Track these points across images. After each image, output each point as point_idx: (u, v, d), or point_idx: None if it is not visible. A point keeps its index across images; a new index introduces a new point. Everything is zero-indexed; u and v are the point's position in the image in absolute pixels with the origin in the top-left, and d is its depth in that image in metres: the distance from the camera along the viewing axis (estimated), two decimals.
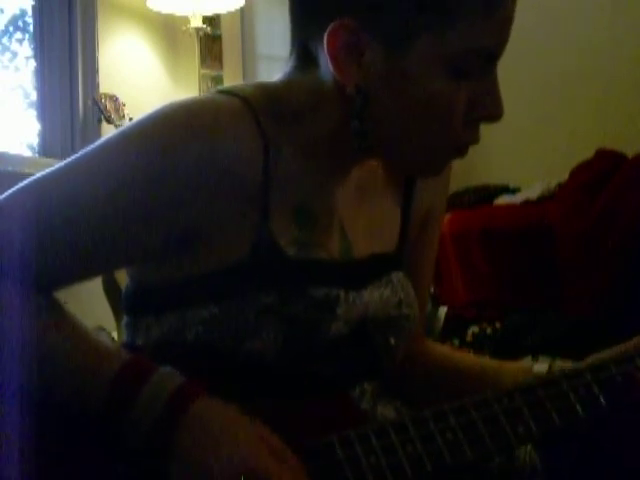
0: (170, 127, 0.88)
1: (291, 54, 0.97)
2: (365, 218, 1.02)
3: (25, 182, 0.90)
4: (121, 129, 0.91)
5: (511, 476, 1.03)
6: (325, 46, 0.89)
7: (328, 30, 0.88)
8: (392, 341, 1.00)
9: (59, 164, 0.91)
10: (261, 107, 0.92)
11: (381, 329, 0.99)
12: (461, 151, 0.95)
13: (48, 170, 0.90)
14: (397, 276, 1.02)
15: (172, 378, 0.84)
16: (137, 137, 0.89)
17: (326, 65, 0.91)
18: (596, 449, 1.00)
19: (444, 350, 1.21)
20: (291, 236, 0.93)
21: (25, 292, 0.86)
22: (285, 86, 0.96)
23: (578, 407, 0.91)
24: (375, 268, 1.01)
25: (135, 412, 0.82)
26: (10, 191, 0.89)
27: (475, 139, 0.94)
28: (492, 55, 0.91)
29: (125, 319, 1.00)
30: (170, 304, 0.93)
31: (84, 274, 0.93)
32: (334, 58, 0.89)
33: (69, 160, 0.91)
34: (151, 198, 0.88)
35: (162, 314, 0.93)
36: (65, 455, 0.85)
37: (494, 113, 0.93)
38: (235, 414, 0.83)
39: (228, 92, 0.93)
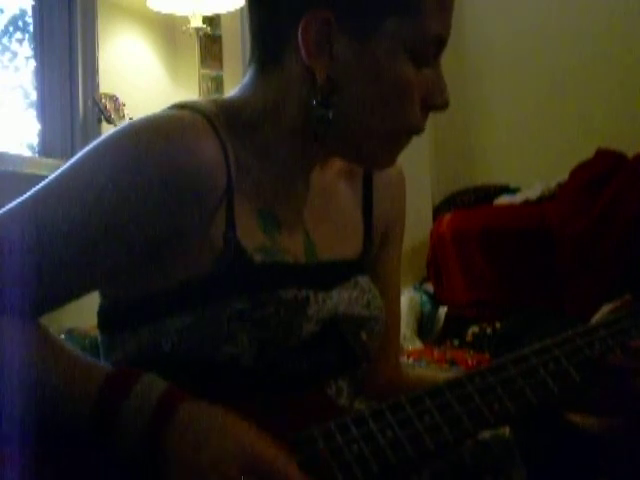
0: (134, 143, 0.89)
1: (250, 63, 0.99)
2: (328, 223, 1.05)
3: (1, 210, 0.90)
4: (88, 148, 0.92)
5: (486, 461, 1.04)
6: (300, 39, 0.91)
7: (302, 22, 0.91)
8: (364, 336, 1.02)
9: (33, 190, 0.91)
10: (218, 121, 0.94)
11: (352, 326, 1.01)
12: (410, 138, 0.99)
13: (22, 198, 0.91)
14: (363, 279, 1.05)
15: (153, 388, 0.84)
16: (102, 155, 0.91)
17: (292, 60, 0.94)
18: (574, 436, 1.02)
19: (422, 372, 1.24)
20: (257, 242, 0.96)
21: (6, 317, 0.86)
22: (241, 99, 0.99)
23: (549, 381, 0.93)
24: (340, 271, 1.03)
25: (120, 428, 0.82)
26: None
27: (423, 127, 0.98)
28: (442, 42, 0.95)
29: (100, 337, 1.00)
30: (144, 318, 0.94)
31: (59, 300, 0.92)
32: (307, 50, 0.92)
33: (42, 185, 0.91)
34: (118, 213, 0.88)
35: (137, 328, 0.94)
36: (63, 464, 0.85)
37: (442, 100, 0.97)
38: (221, 412, 0.84)
39: (183, 106, 0.95)
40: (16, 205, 0.91)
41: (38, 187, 0.91)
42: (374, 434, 0.85)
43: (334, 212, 1.07)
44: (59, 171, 0.92)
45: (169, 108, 0.96)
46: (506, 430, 1.05)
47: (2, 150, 3.13)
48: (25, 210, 0.90)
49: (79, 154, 0.92)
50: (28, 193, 0.91)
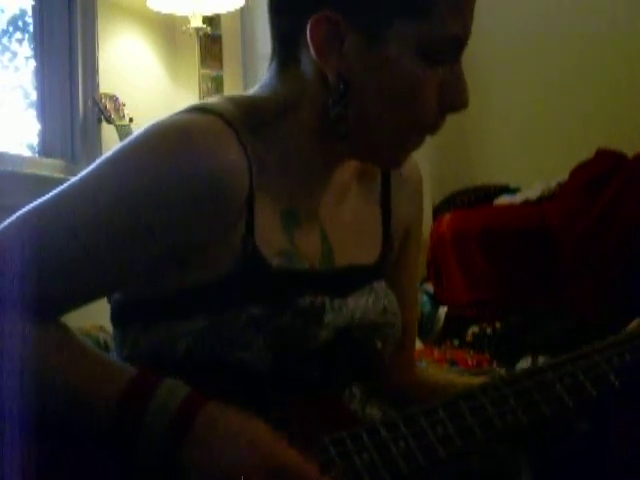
0: (153, 150, 0.89)
1: (271, 60, 0.99)
2: (346, 225, 1.04)
3: (21, 211, 0.90)
4: (109, 153, 0.92)
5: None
6: (308, 38, 0.91)
7: (310, 23, 0.91)
8: (379, 344, 1.02)
9: (55, 191, 0.91)
10: (238, 122, 0.93)
11: (367, 334, 1.00)
12: (423, 137, 0.98)
13: (43, 198, 0.91)
14: (379, 285, 1.04)
15: (176, 391, 0.84)
16: (123, 160, 0.90)
17: (307, 59, 0.94)
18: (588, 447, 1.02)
19: (438, 376, 1.23)
20: (276, 245, 0.95)
21: (27, 319, 0.86)
22: (260, 97, 0.99)
23: (564, 395, 0.93)
24: (357, 277, 1.03)
25: (144, 431, 0.82)
26: (6, 222, 0.90)
27: (440, 126, 0.97)
28: (460, 42, 0.94)
29: (113, 331, 1.00)
30: (159, 316, 0.94)
31: (79, 299, 0.92)
32: (317, 49, 0.92)
33: (63, 187, 0.91)
34: (141, 220, 0.88)
35: (151, 326, 0.94)
36: (75, 473, 0.85)
37: (460, 101, 0.96)
38: (243, 416, 0.84)
39: (203, 110, 0.94)
40: (39, 203, 0.90)
41: (61, 187, 0.91)
42: (386, 444, 0.85)
43: (352, 215, 1.06)
44: (82, 173, 0.91)
45: (187, 111, 0.94)
46: None
47: (2, 150, 3.13)
48: (48, 208, 0.90)
49: (98, 160, 0.92)
50: (51, 193, 0.91)
